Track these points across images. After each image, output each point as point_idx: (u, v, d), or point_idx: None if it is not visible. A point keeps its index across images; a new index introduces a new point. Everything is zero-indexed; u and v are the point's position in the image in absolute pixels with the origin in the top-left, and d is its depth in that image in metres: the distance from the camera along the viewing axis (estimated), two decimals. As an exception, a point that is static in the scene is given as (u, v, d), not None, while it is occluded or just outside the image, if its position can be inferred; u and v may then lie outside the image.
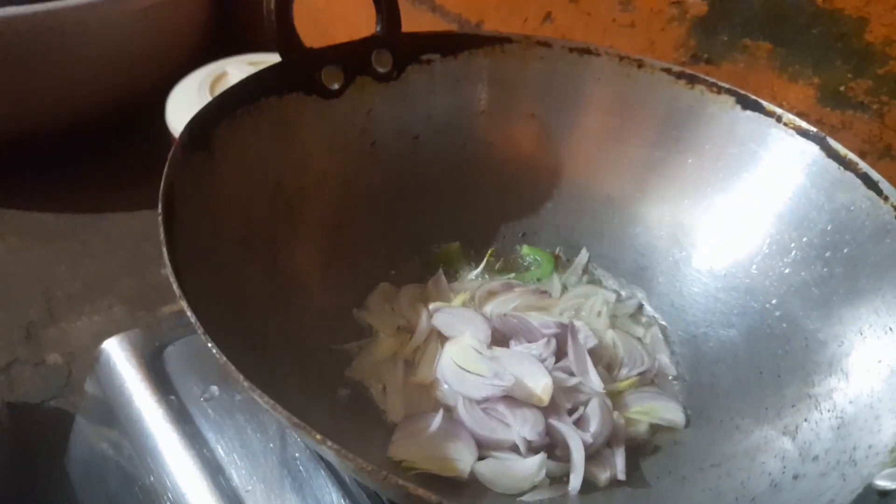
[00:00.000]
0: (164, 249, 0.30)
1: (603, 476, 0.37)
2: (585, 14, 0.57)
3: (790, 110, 0.45)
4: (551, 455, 0.37)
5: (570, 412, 0.38)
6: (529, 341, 0.41)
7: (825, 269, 0.41)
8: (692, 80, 0.46)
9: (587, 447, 0.37)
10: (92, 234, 0.71)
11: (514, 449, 0.37)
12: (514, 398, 0.38)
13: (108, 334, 0.61)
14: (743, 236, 0.45)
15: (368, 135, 0.47)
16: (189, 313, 0.28)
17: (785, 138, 0.44)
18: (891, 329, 0.36)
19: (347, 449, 0.26)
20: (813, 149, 0.43)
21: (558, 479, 0.37)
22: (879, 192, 0.39)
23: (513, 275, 0.49)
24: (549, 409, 0.38)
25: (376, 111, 0.47)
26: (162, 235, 0.31)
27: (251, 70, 0.70)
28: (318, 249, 0.44)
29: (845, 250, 0.40)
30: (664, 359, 0.44)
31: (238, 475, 0.40)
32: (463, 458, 0.36)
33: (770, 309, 0.42)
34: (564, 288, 0.48)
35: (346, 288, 0.45)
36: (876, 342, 0.37)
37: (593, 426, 0.38)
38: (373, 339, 0.43)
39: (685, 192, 0.47)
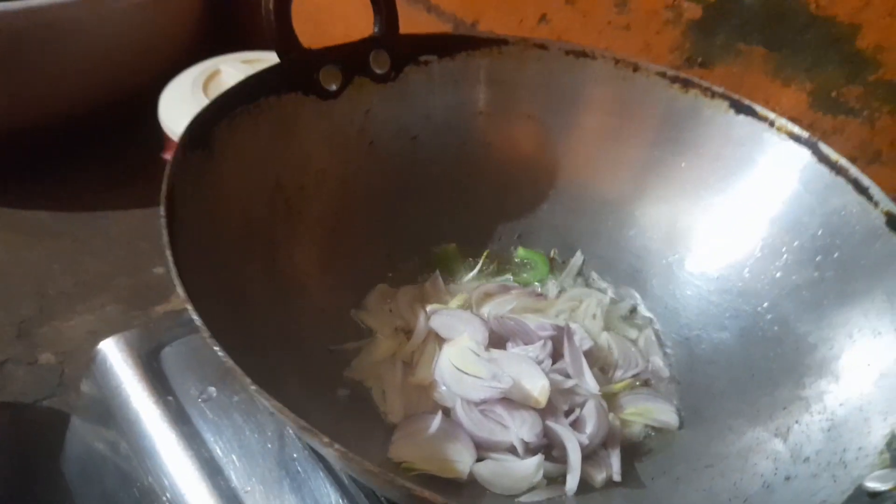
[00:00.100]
0: (168, 253, 0.30)
1: (599, 477, 0.37)
2: (581, 15, 0.57)
3: (783, 114, 0.45)
4: (548, 456, 0.38)
5: (567, 414, 0.39)
6: (526, 343, 0.42)
7: (816, 273, 0.41)
8: (687, 84, 0.47)
9: (583, 448, 0.37)
10: (85, 232, 0.71)
11: (512, 450, 0.37)
12: (511, 400, 0.38)
13: (102, 333, 0.61)
14: (736, 239, 0.45)
15: (367, 135, 0.47)
16: (195, 318, 0.28)
17: (778, 143, 0.44)
18: (880, 333, 0.37)
19: (347, 449, 0.26)
20: (805, 153, 0.43)
21: (555, 480, 0.37)
22: (870, 198, 0.40)
23: (509, 276, 0.49)
24: (546, 411, 0.38)
25: (374, 111, 0.47)
26: (165, 238, 0.31)
27: (245, 68, 0.71)
28: (317, 249, 0.44)
29: (836, 255, 0.41)
30: (658, 361, 0.44)
31: (236, 475, 0.40)
32: (462, 460, 0.36)
33: (762, 312, 0.43)
34: (560, 290, 0.48)
35: (345, 288, 0.45)
36: (865, 345, 0.37)
37: (589, 428, 0.38)
38: (371, 339, 0.43)
39: (679, 195, 0.48)
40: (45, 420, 0.57)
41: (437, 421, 0.37)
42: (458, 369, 0.39)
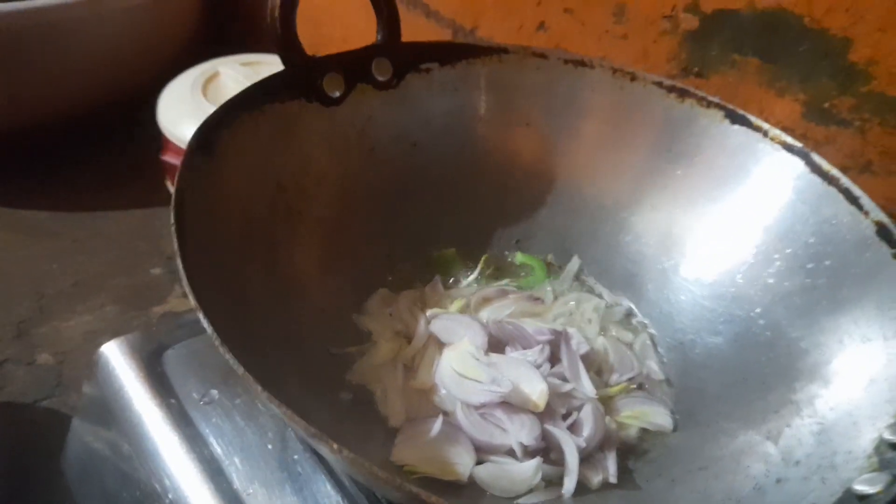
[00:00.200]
0: (179, 261, 0.31)
1: (596, 479, 0.38)
2: (580, 23, 0.58)
3: (777, 124, 0.46)
4: (546, 459, 0.38)
5: (565, 417, 0.40)
6: (524, 348, 0.43)
7: (808, 280, 0.42)
8: (683, 93, 0.48)
9: (581, 451, 0.38)
10: (83, 232, 0.71)
11: (511, 453, 0.38)
12: (510, 404, 0.39)
13: (101, 334, 0.62)
14: (730, 246, 0.46)
15: (368, 140, 0.48)
16: (207, 327, 0.28)
17: (772, 152, 0.45)
18: (869, 339, 0.38)
19: (350, 451, 0.27)
20: (798, 163, 0.44)
21: (553, 482, 0.38)
22: (860, 208, 0.41)
23: (507, 281, 0.50)
24: (545, 415, 0.39)
25: (376, 117, 0.48)
26: (176, 247, 0.31)
27: (244, 70, 0.71)
28: (318, 252, 0.45)
29: (827, 262, 0.42)
30: (653, 364, 0.45)
31: (239, 478, 0.40)
32: (462, 462, 0.37)
33: (755, 317, 0.44)
34: (557, 294, 0.49)
35: (346, 291, 0.46)
36: (855, 351, 0.38)
37: (586, 431, 0.39)
38: (372, 343, 0.44)
39: (674, 202, 0.49)
40: (44, 420, 0.57)
41: (437, 424, 0.38)
42: (459, 373, 0.40)
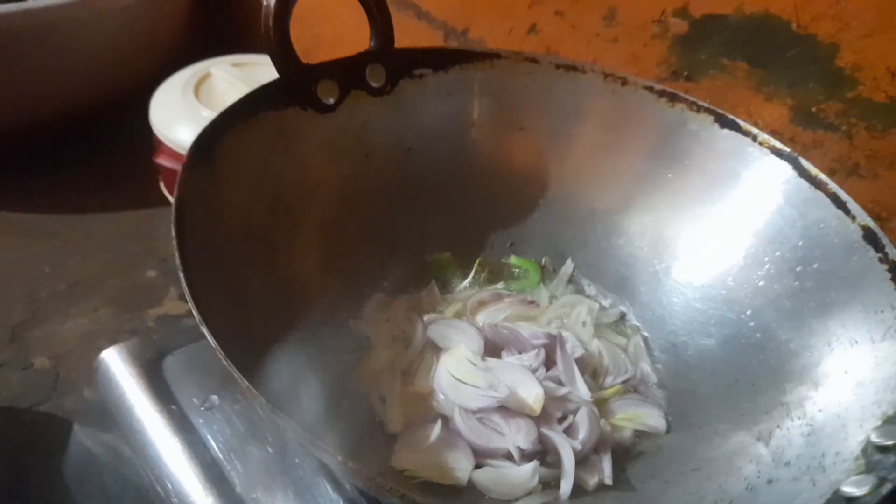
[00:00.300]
0: (181, 272, 0.31)
1: (591, 481, 0.39)
2: (570, 27, 0.59)
3: (765, 128, 0.47)
4: (543, 462, 0.39)
5: (560, 420, 0.41)
6: (520, 352, 0.43)
7: (797, 283, 0.43)
8: (673, 98, 0.49)
9: (576, 454, 0.39)
10: (76, 233, 0.71)
11: (509, 457, 0.39)
12: (507, 408, 0.40)
13: (96, 337, 0.62)
14: (720, 249, 0.47)
15: (363, 146, 0.48)
16: (211, 340, 0.29)
17: (760, 157, 0.46)
18: (857, 342, 0.39)
19: (350, 457, 0.28)
20: (786, 168, 0.45)
21: (550, 485, 0.39)
22: (847, 212, 0.42)
23: (502, 284, 0.50)
24: (541, 419, 0.40)
25: (370, 124, 0.48)
26: (178, 260, 0.32)
27: (235, 71, 0.71)
28: (316, 258, 0.46)
29: (815, 265, 0.43)
30: (646, 367, 0.46)
31: (241, 483, 0.41)
32: (461, 467, 0.38)
33: (745, 319, 0.45)
34: (551, 297, 0.50)
35: (343, 296, 0.46)
36: (843, 354, 0.39)
37: (582, 433, 0.40)
38: (370, 349, 0.44)
39: (665, 206, 0.50)
40: (42, 424, 0.57)
41: (436, 430, 0.38)
42: (456, 379, 0.41)
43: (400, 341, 0.45)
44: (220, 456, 0.42)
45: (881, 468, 0.31)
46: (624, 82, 0.50)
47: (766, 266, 0.45)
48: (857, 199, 0.42)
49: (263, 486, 0.40)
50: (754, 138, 0.46)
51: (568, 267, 0.51)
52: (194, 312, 0.30)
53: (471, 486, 0.38)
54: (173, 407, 0.44)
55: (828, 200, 0.43)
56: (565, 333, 0.45)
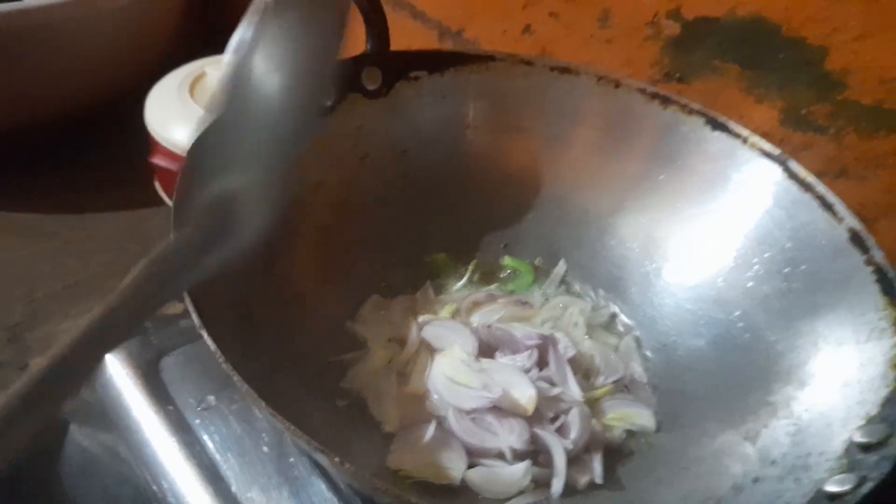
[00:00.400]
0: (180, 282, 0.32)
1: (583, 480, 0.40)
2: (565, 28, 0.59)
3: (756, 130, 0.48)
4: (535, 461, 0.40)
5: (553, 420, 0.41)
6: (514, 352, 0.44)
7: (785, 284, 0.44)
8: (665, 101, 0.49)
9: (568, 453, 0.40)
10: (73, 234, 0.71)
11: (501, 456, 0.40)
12: (501, 408, 0.40)
13: (94, 336, 0.63)
14: (711, 250, 0.48)
15: (359, 149, 0.49)
16: (211, 344, 0.29)
17: (751, 159, 0.47)
18: (842, 343, 0.40)
19: (345, 457, 0.28)
20: (776, 170, 0.46)
21: (542, 484, 0.40)
22: (835, 214, 0.43)
23: (496, 285, 0.51)
24: (533, 418, 0.41)
25: (367, 126, 0.49)
26: (176, 268, 0.32)
27: (231, 70, 0.71)
28: (314, 261, 0.46)
29: (803, 267, 0.43)
30: (637, 367, 0.47)
31: (237, 483, 0.41)
32: (455, 466, 0.39)
33: (734, 320, 0.46)
34: (545, 298, 0.50)
35: (340, 298, 0.47)
36: (829, 354, 0.40)
37: (574, 433, 0.41)
38: (366, 350, 0.45)
39: (657, 207, 0.50)
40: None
41: (431, 430, 0.39)
42: (450, 379, 0.41)
43: (395, 342, 0.45)
44: (217, 456, 0.42)
45: (863, 467, 0.32)
46: (617, 84, 0.50)
47: (756, 267, 0.46)
48: (845, 201, 0.43)
49: (259, 486, 0.41)
50: (744, 140, 0.47)
51: (561, 268, 0.52)
52: (194, 317, 0.30)
53: (464, 486, 0.39)
54: (170, 407, 0.44)
55: (816, 203, 0.44)
56: (558, 334, 0.46)
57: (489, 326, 0.45)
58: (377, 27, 0.47)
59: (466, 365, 0.42)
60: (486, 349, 0.45)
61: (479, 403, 0.40)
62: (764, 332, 0.44)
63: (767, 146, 0.46)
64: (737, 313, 0.46)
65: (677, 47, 0.53)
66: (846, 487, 0.32)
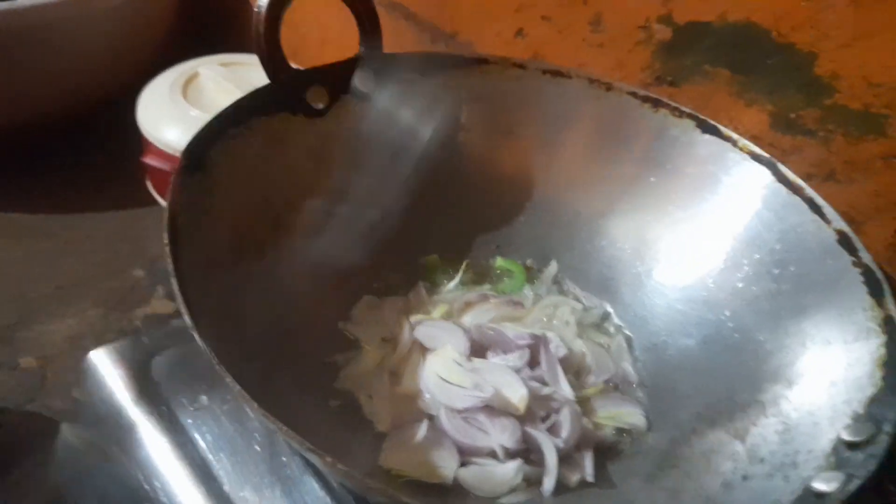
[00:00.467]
0: (174, 280, 0.32)
1: (574, 478, 0.40)
2: (557, 31, 0.59)
3: (746, 133, 0.48)
4: (527, 460, 0.40)
5: (544, 419, 0.42)
6: (505, 352, 0.44)
7: (774, 285, 0.45)
8: (657, 104, 0.50)
9: (559, 452, 0.40)
10: (63, 234, 0.71)
11: (493, 455, 0.40)
12: (492, 408, 0.41)
13: (84, 337, 0.63)
14: (701, 252, 0.48)
15: (352, 151, 0.49)
16: (203, 346, 0.29)
17: (740, 162, 0.47)
18: (830, 343, 0.40)
19: (338, 457, 0.29)
20: (765, 172, 0.46)
21: (533, 482, 0.40)
22: (823, 216, 0.43)
23: (488, 286, 0.51)
24: (525, 417, 0.41)
25: (359, 129, 0.49)
26: (171, 268, 0.32)
27: (223, 70, 0.72)
28: (307, 262, 0.46)
29: (792, 268, 0.44)
30: (628, 366, 0.47)
31: (230, 481, 0.41)
32: (447, 465, 0.39)
33: (724, 320, 0.46)
34: (536, 298, 0.51)
35: (333, 299, 0.47)
36: (817, 354, 0.41)
37: (565, 432, 0.41)
38: (359, 350, 0.45)
39: (648, 209, 0.51)
40: (29, 424, 0.57)
41: (423, 429, 0.39)
42: (443, 379, 0.42)
43: (388, 342, 0.46)
44: (209, 455, 0.42)
45: (850, 465, 0.33)
46: (609, 88, 0.51)
47: (745, 269, 0.46)
48: (833, 204, 0.44)
49: (252, 486, 0.41)
50: (734, 143, 0.48)
51: (552, 268, 0.52)
52: (186, 318, 0.31)
53: (456, 485, 0.39)
54: (162, 407, 0.44)
55: (804, 205, 0.44)
56: (549, 334, 0.46)
57: (481, 326, 0.46)
58: (370, 30, 0.47)
59: (458, 364, 0.42)
60: (478, 349, 0.45)
61: (471, 403, 0.40)
62: (753, 333, 0.44)
63: (757, 149, 0.47)
64: (726, 314, 0.46)
65: (669, 51, 0.54)
66: (833, 485, 0.32)
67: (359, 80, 0.48)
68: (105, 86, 0.75)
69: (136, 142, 0.69)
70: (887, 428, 0.33)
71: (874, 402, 0.35)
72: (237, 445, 0.43)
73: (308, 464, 0.42)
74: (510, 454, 0.40)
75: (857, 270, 0.40)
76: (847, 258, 0.41)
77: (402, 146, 0.50)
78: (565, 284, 0.52)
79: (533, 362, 0.44)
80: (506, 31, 0.62)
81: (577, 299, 0.51)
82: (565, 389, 0.43)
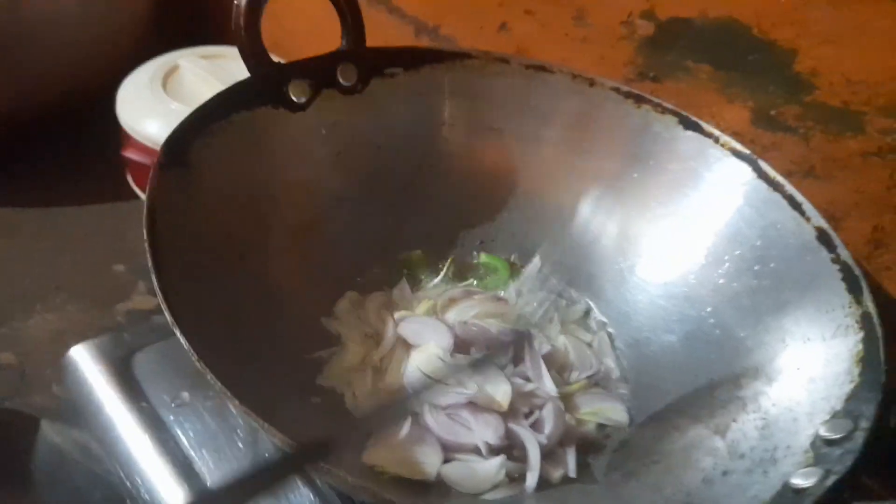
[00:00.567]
0: (156, 277, 0.31)
1: (556, 474, 0.40)
2: (540, 26, 0.59)
3: (727, 129, 0.49)
4: (510, 456, 0.40)
5: (527, 415, 0.42)
6: (489, 349, 0.44)
7: (754, 281, 0.45)
8: (639, 99, 0.50)
9: (542, 448, 0.40)
10: (41, 228, 0.70)
11: (476, 451, 0.40)
12: (476, 404, 0.41)
13: (63, 332, 0.62)
14: (683, 248, 0.49)
15: (334, 145, 0.49)
16: (184, 342, 0.29)
17: (722, 158, 0.48)
18: (809, 339, 0.41)
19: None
20: (746, 169, 0.47)
21: (516, 478, 0.40)
22: (803, 213, 0.44)
23: (472, 281, 0.51)
24: (508, 414, 0.41)
25: (342, 122, 0.49)
26: (150, 262, 0.32)
27: (204, 63, 0.71)
28: (289, 257, 0.46)
29: (772, 265, 0.44)
30: (610, 362, 0.47)
31: (212, 478, 0.41)
32: (430, 462, 0.39)
33: (705, 316, 0.46)
34: (520, 294, 0.51)
35: (316, 295, 0.47)
36: (796, 350, 0.41)
37: (548, 428, 0.41)
38: (342, 346, 0.45)
39: (631, 205, 0.51)
40: (8, 421, 0.56)
41: (406, 425, 0.39)
42: (426, 375, 0.42)
43: (371, 338, 0.45)
44: (191, 452, 0.42)
45: (828, 461, 0.33)
46: (592, 83, 0.51)
47: (726, 265, 0.47)
48: (813, 200, 0.44)
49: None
50: (716, 140, 0.48)
51: (536, 264, 0.52)
52: (167, 315, 0.30)
53: (440, 481, 0.39)
54: (144, 404, 0.44)
55: (785, 202, 0.45)
56: (533, 330, 0.46)
57: (465, 323, 0.46)
58: (353, 23, 0.47)
59: (441, 360, 0.42)
60: (462, 345, 0.45)
61: (455, 399, 0.40)
62: (734, 329, 0.45)
63: (738, 146, 0.47)
64: (708, 309, 0.46)
65: (651, 47, 0.54)
66: (811, 481, 0.33)
67: (340, 74, 0.47)
68: (84, 78, 0.73)
69: (116, 135, 0.68)
70: (864, 424, 0.33)
71: (852, 398, 0.36)
72: (219, 442, 0.43)
73: (291, 461, 0.42)
74: (493, 450, 0.40)
75: (836, 267, 0.41)
76: (826, 255, 0.42)
77: (384, 141, 0.50)
78: (549, 280, 0.52)
79: (516, 359, 0.45)
80: (489, 25, 0.62)
81: (561, 295, 0.51)
82: (548, 386, 0.43)
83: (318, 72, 0.47)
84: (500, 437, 0.40)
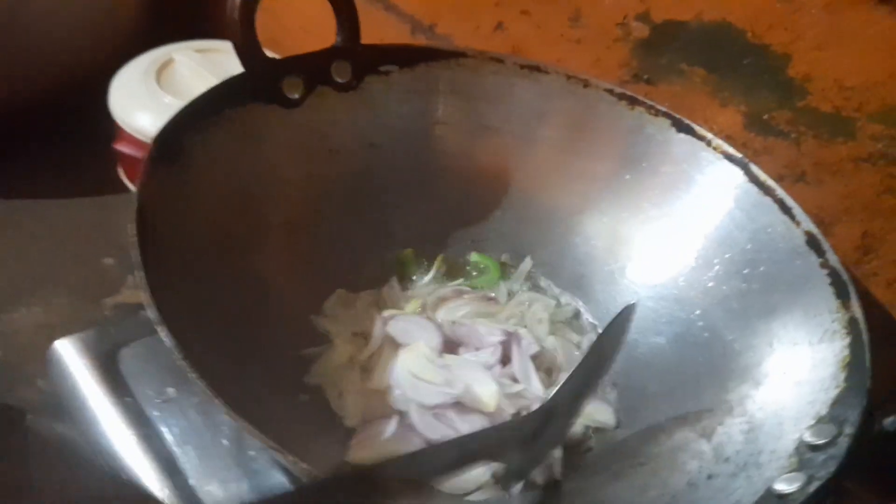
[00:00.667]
0: (143, 273, 0.31)
1: (542, 476, 0.40)
2: (536, 26, 0.59)
3: (720, 133, 0.49)
4: (496, 457, 0.40)
5: (514, 416, 0.42)
6: (477, 349, 0.44)
7: (744, 285, 0.45)
8: (633, 101, 0.50)
9: (529, 449, 0.40)
10: (31, 221, 0.69)
11: (462, 451, 0.40)
12: (463, 404, 0.41)
13: (51, 326, 0.61)
14: (673, 250, 0.49)
15: (327, 142, 0.49)
16: (168, 340, 0.29)
17: (714, 161, 0.48)
18: (796, 343, 0.41)
19: (305, 453, 0.28)
20: (737, 172, 0.47)
21: (502, 480, 0.40)
22: (793, 218, 0.44)
23: (462, 281, 0.51)
24: (495, 414, 0.41)
25: (335, 119, 0.48)
26: (137, 258, 0.32)
27: (198, 57, 0.70)
28: (280, 255, 0.46)
29: (762, 268, 0.45)
30: (599, 363, 0.47)
31: (196, 475, 0.41)
32: (416, 462, 0.39)
33: (694, 319, 0.47)
34: (510, 294, 0.51)
35: (307, 293, 0.46)
36: (783, 355, 0.41)
37: (535, 429, 0.41)
38: (330, 345, 0.45)
39: (622, 207, 0.51)
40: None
41: (392, 425, 0.39)
42: (414, 375, 0.42)
43: (360, 337, 0.45)
44: (176, 448, 0.42)
45: (811, 466, 0.33)
46: (586, 84, 0.51)
47: (716, 268, 0.47)
48: (803, 205, 0.44)
49: (219, 480, 0.40)
50: (708, 143, 0.48)
51: (527, 264, 0.52)
52: (152, 313, 0.30)
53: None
54: (129, 399, 0.43)
55: (775, 206, 0.45)
56: (522, 331, 0.46)
57: (454, 322, 0.46)
58: (348, 20, 0.46)
59: (430, 361, 0.42)
60: (451, 345, 0.45)
61: (442, 399, 0.40)
62: (722, 332, 0.45)
63: (730, 149, 0.47)
64: (697, 312, 0.46)
65: (646, 49, 0.54)
66: (794, 486, 0.33)
67: (335, 71, 0.47)
68: (76, 70, 0.73)
69: (108, 128, 0.68)
70: (848, 430, 0.33)
71: (837, 403, 0.36)
72: (204, 439, 0.43)
73: (276, 459, 0.41)
74: (479, 451, 0.40)
75: (825, 272, 0.41)
76: (815, 259, 0.42)
77: (377, 138, 0.50)
78: (539, 281, 0.52)
79: (505, 359, 0.45)
80: (485, 24, 0.62)
81: (551, 296, 0.51)
82: (536, 387, 0.43)
83: (313, 68, 0.46)
84: (487, 438, 0.40)
